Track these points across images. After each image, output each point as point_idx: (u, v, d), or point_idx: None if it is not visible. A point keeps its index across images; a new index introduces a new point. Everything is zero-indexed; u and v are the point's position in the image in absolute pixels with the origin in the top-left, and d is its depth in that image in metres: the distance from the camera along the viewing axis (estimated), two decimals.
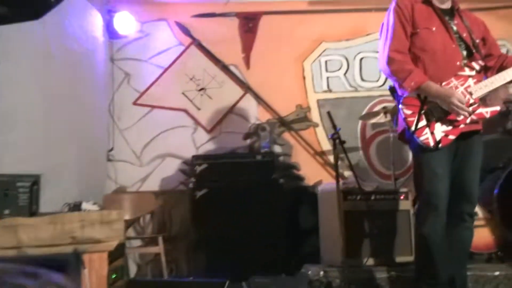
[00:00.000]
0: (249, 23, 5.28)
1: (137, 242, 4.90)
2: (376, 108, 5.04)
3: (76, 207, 2.66)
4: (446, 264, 2.83)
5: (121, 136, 5.11)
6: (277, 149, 5.08)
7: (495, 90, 2.84)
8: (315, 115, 5.25)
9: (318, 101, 5.27)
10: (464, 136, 2.82)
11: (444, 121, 2.77)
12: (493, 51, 3.04)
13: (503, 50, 4.23)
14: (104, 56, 4.94)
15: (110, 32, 5.04)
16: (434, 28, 2.87)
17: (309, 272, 3.84)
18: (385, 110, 4.54)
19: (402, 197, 4.06)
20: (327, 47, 5.32)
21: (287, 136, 5.21)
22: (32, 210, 2.19)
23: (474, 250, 3.71)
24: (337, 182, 3.86)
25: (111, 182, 5.00)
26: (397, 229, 3.96)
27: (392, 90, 2.96)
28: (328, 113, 4.00)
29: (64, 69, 3.89)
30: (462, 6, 3.04)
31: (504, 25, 4.98)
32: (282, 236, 4.30)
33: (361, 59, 5.30)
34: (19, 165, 2.93)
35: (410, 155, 5.00)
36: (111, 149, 5.05)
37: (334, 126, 3.95)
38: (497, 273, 3.66)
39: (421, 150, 2.80)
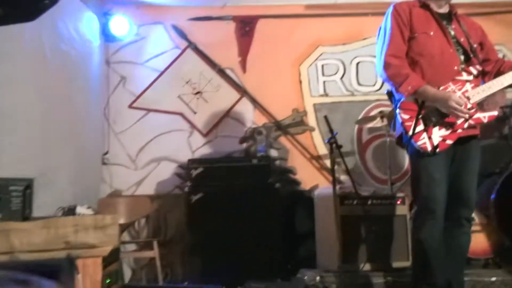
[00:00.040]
0: (245, 27, 5.27)
1: (131, 246, 4.86)
2: (373, 113, 5.03)
3: (70, 211, 2.63)
4: (443, 269, 2.81)
5: (116, 140, 5.08)
6: (273, 153, 5.07)
7: (492, 95, 2.84)
8: (311, 119, 5.24)
9: (314, 105, 5.25)
10: (461, 141, 2.81)
11: (441, 126, 2.76)
12: (491, 56, 3.03)
13: (500, 55, 4.21)
14: (99, 59, 4.92)
15: (106, 35, 5.03)
16: (432, 33, 2.86)
17: (305, 277, 3.83)
18: (382, 115, 4.54)
19: (398, 202, 4.05)
20: (324, 51, 5.31)
21: (283, 140, 5.20)
22: (25, 214, 2.15)
23: (471, 255, 3.70)
24: (334, 186, 3.85)
25: (106, 186, 4.96)
26: (393, 234, 3.95)
27: (390, 94, 2.95)
28: (325, 117, 4.00)
29: (59, 72, 3.86)
30: (460, 11, 3.03)
31: (501, 30, 4.99)
32: (278, 240, 4.28)
33: (357, 63, 5.29)
34: (13, 168, 2.90)
35: (406, 160, 5.01)
36: (106, 153, 5.02)
37: (331, 131, 3.94)
38: (494, 278, 3.66)
39: (418, 155, 2.78)
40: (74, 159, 4.11)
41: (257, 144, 4.78)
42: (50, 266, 1.82)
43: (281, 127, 5.18)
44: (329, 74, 5.30)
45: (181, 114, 5.18)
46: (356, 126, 5.17)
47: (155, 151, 5.08)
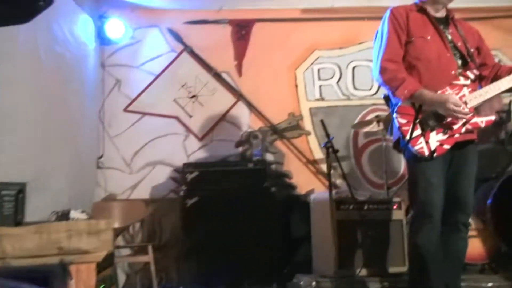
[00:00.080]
0: (241, 31, 5.26)
1: (126, 251, 4.82)
2: (369, 117, 5.03)
3: (64, 215, 2.60)
4: (440, 274, 2.79)
5: (111, 143, 5.05)
6: (269, 157, 5.05)
7: (489, 100, 2.83)
8: (307, 123, 5.23)
9: (310, 109, 5.24)
10: (459, 146, 2.80)
11: (439, 130, 2.75)
12: (488, 60, 3.04)
13: (496, 60, 4.23)
14: (95, 62, 4.89)
15: (101, 37, 5.00)
16: (429, 37, 2.86)
17: (301, 283, 3.81)
18: (378, 119, 4.53)
19: (395, 207, 4.04)
20: (320, 55, 5.30)
21: (279, 144, 5.18)
22: (17, 219, 2.12)
23: (467, 261, 3.69)
24: (330, 191, 3.83)
25: (100, 190, 4.92)
26: (390, 239, 3.94)
27: (387, 99, 2.94)
28: (322, 121, 3.98)
29: (53, 75, 3.83)
30: (457, 15, 3.03)
31: (498, 35, 5.00)
32: (273, 245, 4.24)
33: (353, 68, 5.29)
34: (5, 171, 2.87)
35: (402, 164, 5.02)
36: (101, 156, 4.98)
37: (328, 135, 3.93)
38: (490, 284, 3.66)
39: (415, 159, 2.77)
40: (69, 163, 4.07)
41: (253, 148, 4.77)
42: (42, 272, 1.79)
43: (277, 131, 5.17)
44: (325, 78, 5.29)
45: (177, 118, 5.15)
46: (352, 131, 5.16)
47: (150, 155, 5.05)
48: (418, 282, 2.87)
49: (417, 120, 2.71)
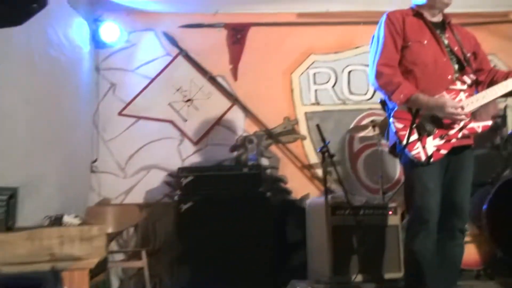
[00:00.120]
0: (237, 34, 5.24)
1: (120, 256, 4.79)
2: (364, 122, 5.03)
3: (57, 220, 2.57)
4: (436, 280, 2.77)
5: (106, 147, 5.01)
6: (264, 161, 5.03)
7: (485, 105, 2.83)
8: (302, 128, 5.21)
9: (306, 113, 5.23)
10: (455, 151, 2.79)
11: (435, 135, 2.73)
12: (484, 65, 3.03)
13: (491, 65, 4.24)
14: (89, 66, 4.86)
15: (96, 41, 4.97)
16: (425, 42, 2.85)
17: None
18: (374, 124, 4.53)
19: (390, 212, 4.02)
20: (316, 60, 5.30)
21: (274, 148, 5.16)
22: (8, 225, 2.09)
23: (463, 267, 3.66)
24: (326, 196, 3.82)
25: (94, 194, 4.89)
26: (385, 244, 3.92)
27: (383, 103, 2.92)
28: (317, 126, 3.97)
29: (47, 78, 3.80)
30: (453, 20, 3.02)
31: (494, 40, 5.02)
32: (268, 250, 4.22)
33: (349, 72, 5.28)
34: None
35: (397, 169, 5.01)
36: (95, 160, 4.95)
37: (323, 140, 3.91)
38: None
39: (412, 164, 2.76)
40: (62, 167, 4.03)
41: (248, 153, 4.75)
42: (34, 279, 1.76)
43: (272, 136, 5.15)
44: (321, 83, 5.29)
45: (172, 122, 5.13)
46: (348, 135, 5.14)
47: (145, 159, 5.02)
48: None
49: (414, 125, 2.70)
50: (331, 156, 3.89)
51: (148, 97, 5.12)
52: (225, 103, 5.18)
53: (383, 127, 4.36)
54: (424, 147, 2.70)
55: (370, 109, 5.15)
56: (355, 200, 4.18)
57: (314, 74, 5.29)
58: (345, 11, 5.18)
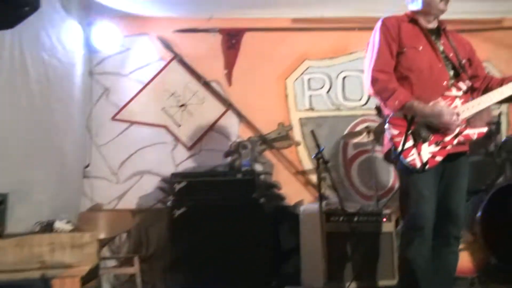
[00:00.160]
0: (232, 40, 5.23)
1: (112, 262, 4.75)
2: (359, 128, 5.03)
3: (48, 225, 2.54)
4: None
5: (98, 152, 4.97)
6: (258, 167, 5.00)
7: (479, 112, 2.82)
8: (297, 134, 5.20)
9: (300, 119, 5.22)
10: (450, 158, 2.77)
11: (431, 142, 2.72)
12: (479, 72, 3.03)
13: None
14: (82, 70, 4.81)
15: (90, 45, 4.93)
16: (420, 48, 2.84)
17: None
18: (368, 130, 4.51)
19: (385, 219, 4.01)
20: (310, 65, 5.29)
21: (268, 154, 5.14)
22: None
23: (457, 274, 3.64)
24: (320, 203, 3.80)
25: (86, 200, 4.84)
26: (380, 251, 3.91)
27: (378, 109, 2.91)
28: (312, 132, 3.95)
29: (39, 82, 3.76)
30: (448, 27, 3.01)
31: (488, 47, 5.03)
32: (262, 257, 4.20)
33: (344, 78, 5.27)
34: None
35: (392, 176, 5.00)
36: (88, 166, 4.90)
37: (318, 146, 3.90)
38: None
39: (407, 171, 2.74)
40: (54, 172, 3.99)
41: (242, 158, 4.73)
42: (23, 287, 1.72)
43: (266, 141, 5.13)
44: (315, 88, 5.28)
45: (165, 127, 5.10)
46: (342, 141, 5.13)
47: (138, 164, 4.98)
48: None
49: (409, 132, 2.69)
50: (326, 162, 3.88)
51: (142, 102, 5.10)
52: (219, 108, 5.16)
53: (378, 133, 4.36)
54: (419, 154, 2.68)
55: (364, 115, 5.14)
56: (348, 207, 4.17)
57: (309, 79, 5.28)
58: (340, 16, 5.17)
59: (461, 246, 3.63)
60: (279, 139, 5.17)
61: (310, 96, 5.26)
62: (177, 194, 4.34)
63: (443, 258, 2.86)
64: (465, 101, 2.80)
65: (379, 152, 4.49)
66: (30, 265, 1.84)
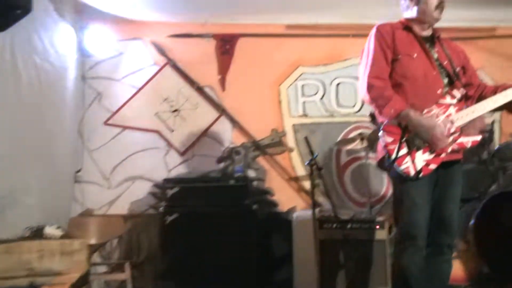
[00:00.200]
0: (226, 45, 5.22)
1: (102, 268, 4.71)
2: (352, 134, 5.02)
3: (38, 231, 2.51)
4: None
5: (90, 157, 4.94)
6: (251, 173, 4.98)
7: (473, 120, 2.81)
8: (290, 140, 5.19)
9: (293, 125, 5.21)
10: (444, 166, 2.77)
11: (425, 150, 2.71)
12: (473, 80, 3.03)
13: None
14: (75, 74, 4.79)
15: (83, 49, 4.91)
16: (415, 55, 2.84)
17: None
18: (361, 136, 4.51)
19: (378, 227, 4.00)
20: (304, 72, 5.28)
21: (261, 160, 5.12)
22: None
23: (450, 282, 3.64)
24: (313, 210, 3.78)
25: (77, 205, 4.80)
26: (373, 259, 3.89)
27: (372, 116, 2.90)
28: (306, 138, 3.93)
29: (31, 85, 3.74)
30: (442, 35, 3.01)
31: (482, 55, 5.04)
32: (254, 264, 4.17)
33: (337, 84, 5.27)
34: None
35: (385, 183, 4.99)
36: (79, 170, 4.86)
37: (312, 152, 3.88)
38: None
39: (401, 179, 2.72)
40: (45, 177, 3.95)
41: (235, 164, 4.71)
42: None
43: (259, 147, 5.11)
44: (309, 95, 5.27)
45: (158, 132, 5.07)
46: (335, 148, 5.12)
47: (130, 169, 4.95)
48: None
49: (404, 139, 2.67)
50: (319, 169, 3.86)
51: (135, 107, 5.07)
52: (212, 113, 5.14)
53: (371, 140, 4.35)
54: (413, 162, 2.67)
55: (358, 122, 5.13)
56: (341, 214, 4.15)
57: (302, 86, 5.27)
58: (334, 23, 5.17)
59: (454, 254, 3.65)
60: (272, 145, 5.15)
61: (304, 102, 5.26)
62: (169, 200, 4.31)
63: (437, 267, 2.84)
64: (459, 109, 2.80)
65: (373, 159, 4.49)
66: (18, 272, 1.81)
